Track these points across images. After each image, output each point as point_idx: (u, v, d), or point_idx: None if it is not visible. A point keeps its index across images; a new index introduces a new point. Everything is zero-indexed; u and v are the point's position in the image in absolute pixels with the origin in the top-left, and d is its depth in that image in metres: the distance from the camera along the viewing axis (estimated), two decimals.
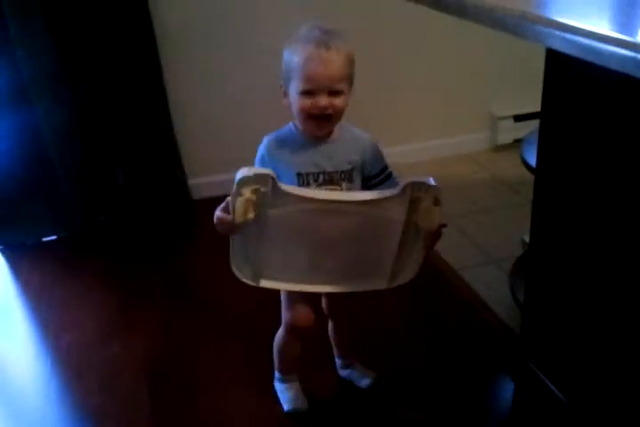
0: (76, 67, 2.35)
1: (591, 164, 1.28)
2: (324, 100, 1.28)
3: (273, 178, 1.24)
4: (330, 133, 1.37)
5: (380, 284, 1.44)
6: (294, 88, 1.30)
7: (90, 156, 2.50)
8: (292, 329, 1.55)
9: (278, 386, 1.72)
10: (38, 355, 1.97)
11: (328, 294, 1.56)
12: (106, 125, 2.47)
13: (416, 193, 1.29)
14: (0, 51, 2.23)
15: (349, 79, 1.32)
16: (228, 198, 1.27)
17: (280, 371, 1.70)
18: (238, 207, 1.25)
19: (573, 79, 1.27)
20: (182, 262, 2.38)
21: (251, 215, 1.26)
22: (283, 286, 1.45)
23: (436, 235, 1.35)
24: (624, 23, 0.99)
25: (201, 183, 2.68)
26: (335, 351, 1.79)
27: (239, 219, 1.26)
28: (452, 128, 2.97)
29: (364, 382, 1.74)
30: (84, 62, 2.35)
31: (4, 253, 2.49)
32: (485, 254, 2.28)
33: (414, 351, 1.89)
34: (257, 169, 1.27)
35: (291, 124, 1.39)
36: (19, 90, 2.29)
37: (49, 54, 2.27)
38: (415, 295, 2.10)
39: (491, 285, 2.10)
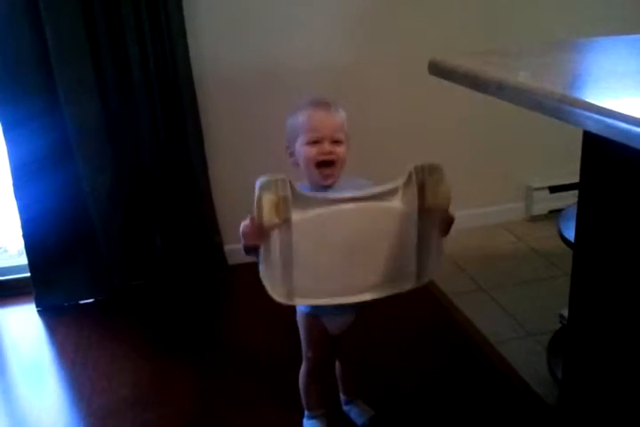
0: (119, 132, 2.43)
1: (631, 241, 1.28)
2: (328, 146, 1.44)
3: (290, 182, 1.35)
4: (334, 183, 1.49)
5: (409, 283, 1.50)
6: (300, 142, 1.47)
7: (130, 219, 2.55)
8: (313, 361, 1.70)
9: (305, 422, 1.81)
10: (71, 419, 1.97)
11: (340, 337, 1.67)
12: (146, 190, 2.53)
13: (420, 177, 1.39)
14: (48, 111, 2.31)
15: (347, 135, 1.49)
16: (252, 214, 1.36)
17: (308, 408, 1.81)
18: (265, 210, 1.33)
19: (611, 159, 1.28)
20: (218, 328, 2.39)
21: (276, 219, 1.35)
22: (318, 302, 1.49)
23: (449, 218, 1.45)
24: None
25: (236, 249, 2.68)
26: (340, 388, 1.89)
27: (266, 220, 1.34)
28: (488, 198, 2.99)
29: (360, 421, 1.84)
30: (128, 127, 2.43)
31: (41, 315, 2.52)
32: (522, 327, 2.25)
33: (442, 422, 1.85)
34: (275, 174, 1.35)
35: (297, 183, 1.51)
36: (63, 150, 2.36)
37: (94, 118, 2.35)
38: (448, 365, 2.08)
39: (527, 359, 2.06)
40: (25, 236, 2.46)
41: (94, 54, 2.28)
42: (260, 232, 1.36)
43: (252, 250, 1.41)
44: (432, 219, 1.44)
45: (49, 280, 2.52)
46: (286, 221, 1.36)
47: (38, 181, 2.38)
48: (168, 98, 2.41)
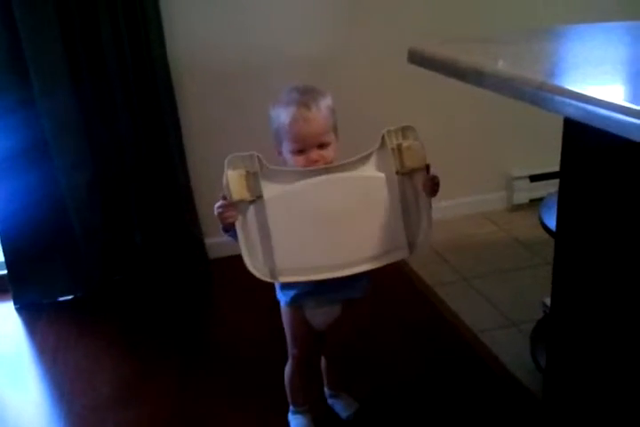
0: (96, 125, 2.40)
1: (612, 228, 1.27)
2: (314, 155, 1.41)
3: (259, 157, 1.35)
4: None
5: (403, 253, 1.46)
6: (286, 148, 1.43)
7: (108, 214, 2.52)
8: (298, 358, 1.69)
9: (290, 417, 1.80)
10: (51, 419, 1.94)
11: (326, 333, 1.64)
12: (124, 184, 2.50)
13: (394, 141, 1.39)
14: (23, 107, 2.27)
15: (334, 129, 1.45)
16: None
17: (293, 404, 1.79)
18: (232, 184, 1.34)
19: (591, 146, 1.27)
20: (198, 324, 2.36)
21: (245, 194, 1.35)
22: (303, 278, 1.45)
23: (432, 179, 1.42)
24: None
25: (217, 243, 2.68)
26: (325, 382, 1.88)
27: (235, 196, 1.34)
28: (469, 187, 2.99)
29: (345, 414, 1.83)
30: (105, 121, 2.40)
31: (19, 313, 2.49)
32: (504, 316, 2.25)
33: (427, 413, 1.85)
34: (243, 153, 1.36)
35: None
36: (40, 146, 2.32)
37: (70, 111, 2.32)
38: (432, 355, 2.08)
39: (510, 348, 2.06)
40: (1, 232, 2.42)
41: (66, 41, 2.23)
42: (231, 209, 1.36)
43: (229, 229, 1.40)
44: (414, 183, 1.43)
45: (27, 277, 2.49)
46: (259, 198, 1.36)
47: (15, 178, 2.34)
48: (144, 89, 2.37)
